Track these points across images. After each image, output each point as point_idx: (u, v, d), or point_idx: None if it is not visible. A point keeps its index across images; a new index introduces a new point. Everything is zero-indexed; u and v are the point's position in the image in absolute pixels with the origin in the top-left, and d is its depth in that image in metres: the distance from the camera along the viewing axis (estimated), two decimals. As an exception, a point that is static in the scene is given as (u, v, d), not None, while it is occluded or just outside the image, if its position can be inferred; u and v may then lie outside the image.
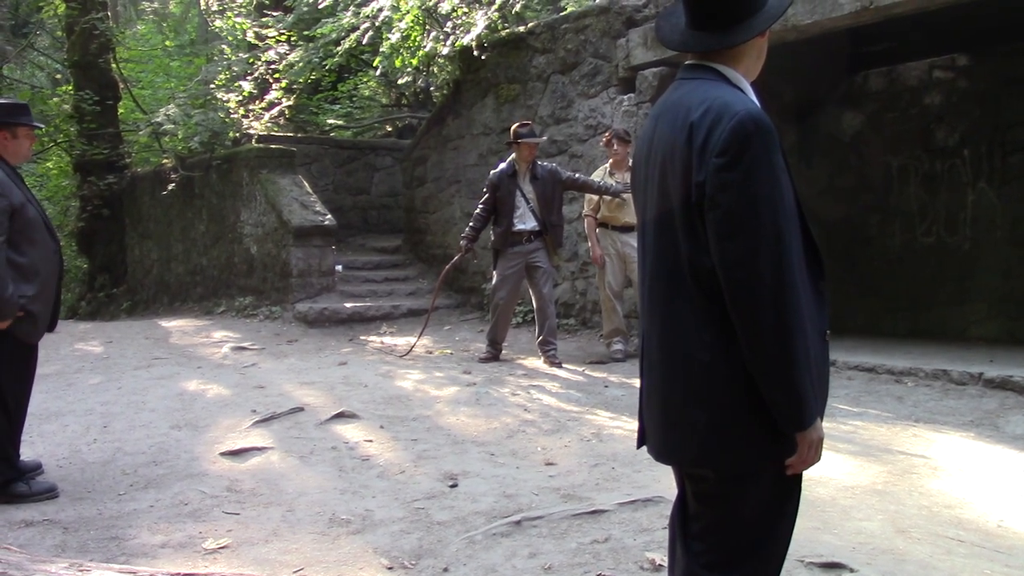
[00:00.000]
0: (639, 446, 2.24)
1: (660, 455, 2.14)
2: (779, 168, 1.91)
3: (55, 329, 4.65)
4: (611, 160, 7.62)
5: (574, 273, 9.21)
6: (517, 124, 7.80)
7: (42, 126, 4.55)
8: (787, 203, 1.91)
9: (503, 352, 7.89)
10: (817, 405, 1.94)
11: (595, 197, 7.58)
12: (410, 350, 8.20)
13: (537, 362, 7.62)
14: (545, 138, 8.30)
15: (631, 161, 7.59)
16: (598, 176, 7.65)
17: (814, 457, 1.96)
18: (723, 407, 1.96)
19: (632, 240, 7.51)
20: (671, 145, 2.01)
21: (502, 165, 7.73)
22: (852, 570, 3.16)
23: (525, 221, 7.57)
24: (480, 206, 7.77)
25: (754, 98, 2.05)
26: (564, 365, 7.47)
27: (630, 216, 7.44)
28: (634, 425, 2.38)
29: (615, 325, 7.72)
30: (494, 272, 7.80)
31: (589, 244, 7.79)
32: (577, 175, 7.84)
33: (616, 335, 7.73)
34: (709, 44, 2.07)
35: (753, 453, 1.97)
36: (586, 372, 7.22)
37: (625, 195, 7.68)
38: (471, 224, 7.82)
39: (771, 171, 1.89)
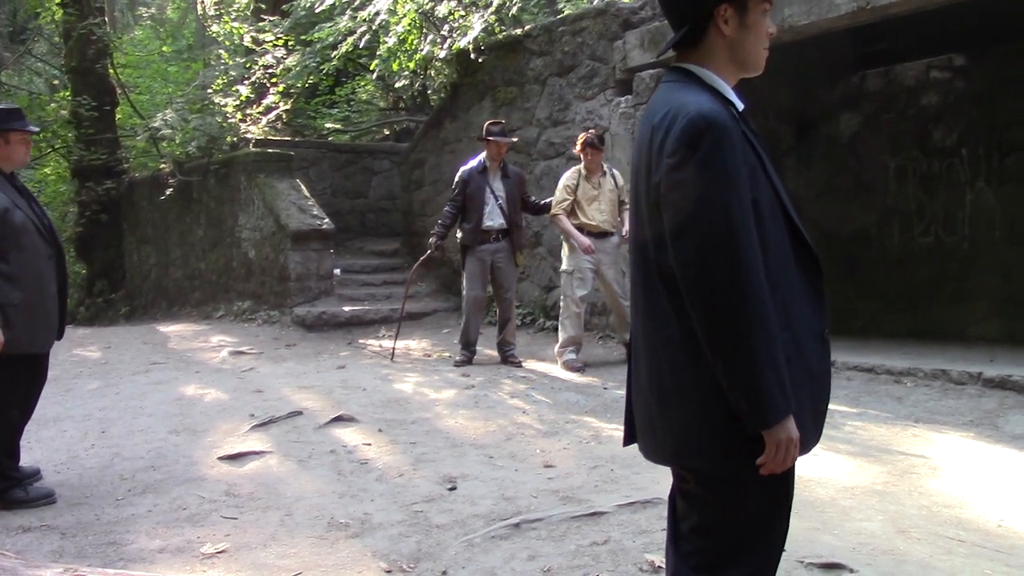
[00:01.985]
0: (625, 444, 2.24)
1: (646, 453, 2.15)
2: (732, 167, 1.88)
3: (62, 336, 4.62)
4: (583, 164, 7.42)
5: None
6: (489, 122, 7.80)
7: (36, 130, 4.46)
8: (743, 202, 1.88)
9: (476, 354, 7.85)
10: (784, 404, 1.87)
11: (569, 197, 7.36)
12: (392, 353, 8.20)
13: (536, 364, 7.62)
14: (516, 139, 8.30)
15: (606, 167, 7.56)
16: (571, 179, 7.41)
17: (783, 458, 1.90)
18: (696, 407, 1.95)
19: (606, 246, 7.45)
20: (640, 148, 2.05)
21: (472, 162, 7.76)
22: (852, 570, 3.15)
23: (493, 218, 7.60)
24: (449, 203, 7.77)
25: (733, 97, 2.04)
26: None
27: (606, 222, 7.41)
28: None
29: (574, 333, 7.47)
30: (463, 271, 7.83)
31: (573, 239, 7.33)
32: (531, 197, 7.98)
33: (573, 344, 7.48)
34: (670, 42, 2.10)
35: (728, 454, 1.95)
36: (586, 374, 7.20)
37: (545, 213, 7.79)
38: (440, 222, 7.82)
39: (721, 170, 1.87)
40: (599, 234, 7.41)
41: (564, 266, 7.51)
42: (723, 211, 1.85)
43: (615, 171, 7.66)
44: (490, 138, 7.53)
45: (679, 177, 1.88)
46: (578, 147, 7.47)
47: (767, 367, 1.84)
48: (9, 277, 4.15)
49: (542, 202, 7.85)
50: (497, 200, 7.58)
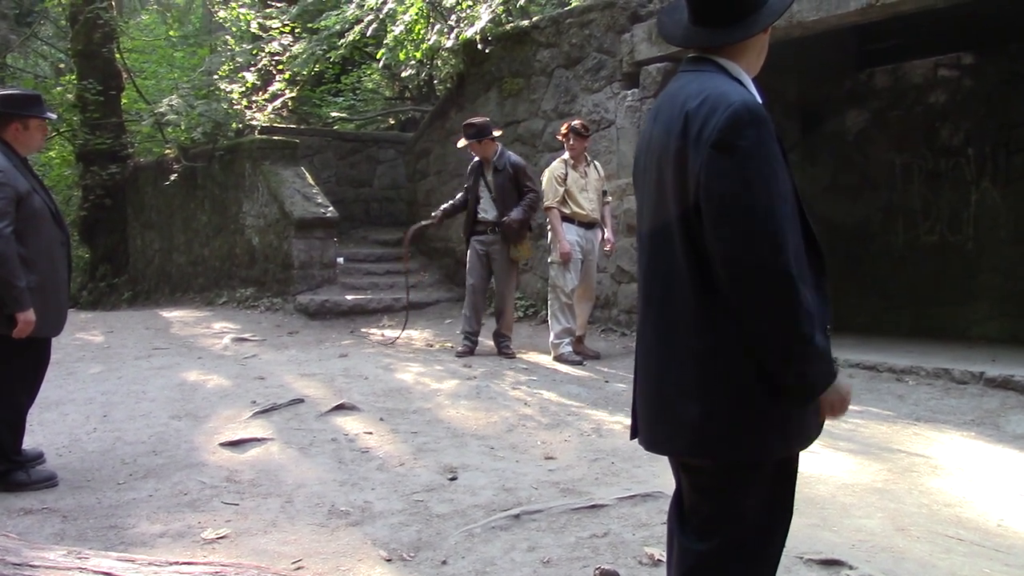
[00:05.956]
0: (632, 437, 2.24)
1: (652, 445, 2.14)
2: (774, 158, 1.91)
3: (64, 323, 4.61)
4: (568, 153, 7.44)
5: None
6: (464, 123, 7.78)
7: (54, 117, 4.50)
8: (782, 192, 1.90)
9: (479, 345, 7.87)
10: (830, 372, 1.94)
11: (560, 188, 7.36)
12: (396, 339, 8.23)
13: (538, 356, 7.62)
14: (499, 133, 7.93)
15: (587, 157, 7.54)
16: (560, 169, 7.40)
17: (838, 410, 2.02)
18: (721, 397, 1.96)
19: (594, 236, 7.51)
20: (668, 135, 2.02)
21: None
22: (851, 567, 3.15)
23: (487, 211, 7.65)
24: (463, 189, 7.93)
25: (755, 91, 2.05)
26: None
27: (594, 211, 7.45)
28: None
29: (567, 324, 7.45)
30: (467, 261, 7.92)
31: (557, 238, 7.35)
32: (528, 193, 7.61)
33: (568, 335, 7.47)
34: (712, 40, 2.08)
35: (752, 443, 1.97)
36: (586, 366, 7.21)
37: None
38: (448, 202, 8.01)
39: (766, 160, 1.89)
40: (588, 224, 7.44)
41: (553, 256, 7.49)
42: (768, 199, 1.86)
43: (596, 162, 7.70)
44: (468, 141, 7.53)
45: (724, 166, 1.87)
46: (563, 133, 7.45)
47: (812, 348, 1.88)
48: (25, 261, 4.17)
49: (525, 186, 7.62)
50: (491, 193, 7.62)
